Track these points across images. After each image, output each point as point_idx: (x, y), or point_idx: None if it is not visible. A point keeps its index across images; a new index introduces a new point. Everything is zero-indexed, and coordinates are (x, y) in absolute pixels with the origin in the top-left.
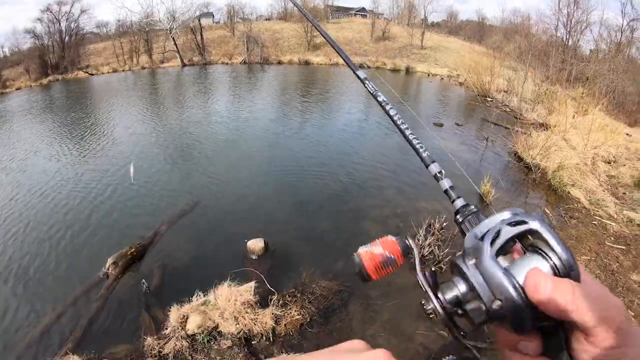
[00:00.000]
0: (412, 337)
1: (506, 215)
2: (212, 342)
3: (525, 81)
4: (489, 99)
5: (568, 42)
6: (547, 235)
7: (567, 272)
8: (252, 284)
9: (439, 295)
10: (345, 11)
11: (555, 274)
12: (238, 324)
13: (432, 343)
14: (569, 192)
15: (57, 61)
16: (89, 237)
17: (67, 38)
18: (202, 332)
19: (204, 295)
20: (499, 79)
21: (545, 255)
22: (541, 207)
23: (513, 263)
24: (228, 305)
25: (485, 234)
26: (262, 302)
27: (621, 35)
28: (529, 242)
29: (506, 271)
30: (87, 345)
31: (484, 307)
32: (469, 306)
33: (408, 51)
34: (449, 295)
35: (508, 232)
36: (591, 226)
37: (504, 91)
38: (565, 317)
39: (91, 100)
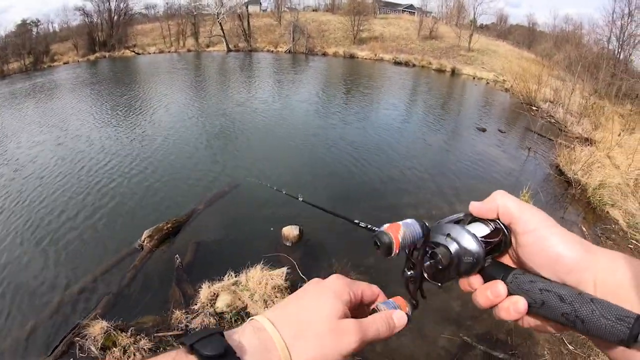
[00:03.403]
0: (436, 341)
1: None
2: (240, 322)
3: (573, 93)
4: (534, 108)
5: (620, 55)
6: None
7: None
8: (284, 269)
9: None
10: (393, 7)
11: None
12: (267, 307)
13: (455, 347)
14: (607, 212)
15: (104, 39)
16: (129, 209)
17: (115, 17)
18: (231, 311)
19: (236, 276)
20: (546, 88)
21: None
22: (578, 224)
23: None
24: (259, 287)
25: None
26: (293, 288)
27: None
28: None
29: (473, 235)
30: (116, 312)
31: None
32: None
33: (455, 52)
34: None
35: (454, 216)
36: (627, 250)
37: (550, 101)
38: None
39: (138, 78)
